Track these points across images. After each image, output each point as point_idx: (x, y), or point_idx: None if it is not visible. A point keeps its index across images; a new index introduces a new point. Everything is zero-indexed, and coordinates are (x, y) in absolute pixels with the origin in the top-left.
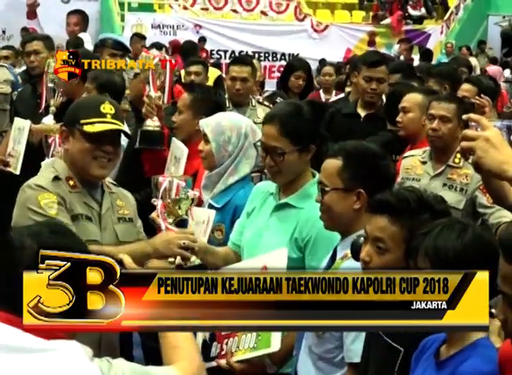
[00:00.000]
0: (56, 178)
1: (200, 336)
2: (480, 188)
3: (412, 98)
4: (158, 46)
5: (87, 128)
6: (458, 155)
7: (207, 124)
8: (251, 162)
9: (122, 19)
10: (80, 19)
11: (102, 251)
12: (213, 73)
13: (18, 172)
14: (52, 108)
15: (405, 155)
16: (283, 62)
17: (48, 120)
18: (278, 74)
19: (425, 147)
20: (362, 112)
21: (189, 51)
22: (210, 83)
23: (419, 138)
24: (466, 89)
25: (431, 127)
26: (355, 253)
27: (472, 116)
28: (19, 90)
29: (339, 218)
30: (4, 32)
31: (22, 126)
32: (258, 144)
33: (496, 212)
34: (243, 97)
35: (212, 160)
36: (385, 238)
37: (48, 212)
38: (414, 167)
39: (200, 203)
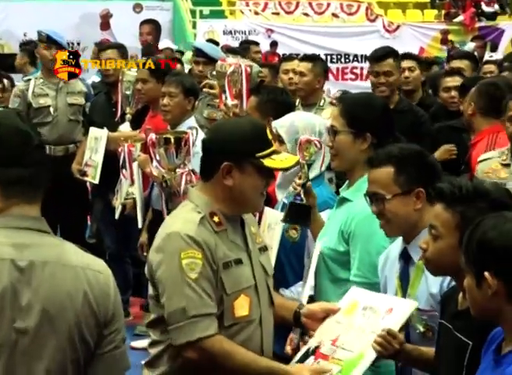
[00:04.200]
0: (202, 218)
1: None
2: None
3: None
4: (232, 51)
5: (269, 163)
6: None
7: (280, 125)
8: (326, 161)
9: (194, 27)
10: (152, 28)
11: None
12: None
13: (97, 181)
14: (128, 116)
15: (481, 158)
16: (356, 64)
17: (125, 128)
18: (351, 76)
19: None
20: None
21: None
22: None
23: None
24: None
25: None
26: None
27: None
28: (93, 99)
29: (405, 222)
30: (78, 44)
31: (99, 135)
32: None
33: None
34: (300, 92)
35: None
36: (437, 225)
37: (188, 274)
38: (496, 171)
39: (274, 202)
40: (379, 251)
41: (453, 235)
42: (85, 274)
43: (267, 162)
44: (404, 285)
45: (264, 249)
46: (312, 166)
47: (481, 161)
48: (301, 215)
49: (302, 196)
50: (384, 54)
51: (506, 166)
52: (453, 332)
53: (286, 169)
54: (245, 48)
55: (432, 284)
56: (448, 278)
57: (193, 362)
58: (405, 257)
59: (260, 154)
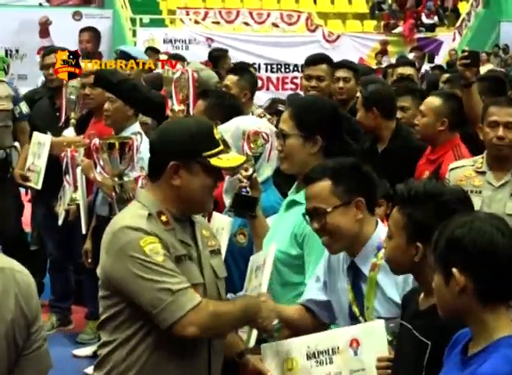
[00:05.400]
0: (150, 215)
1: None
2: None
3: (429, 103)
4: (178, 58)
5: (216, 162)
6: None
7: (225, 130)
8: (273, 165)
9: (134, 35)
10: (92, 35)
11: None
12: None
13: (39, 187)
14: (73, 121)
15: (452, 166)
16: (296, 74)
17: (69, 133)
18: (291, 86)
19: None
20: None
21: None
22: None
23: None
24: None
25: (497, 136)
26: None
27: None
28: (36, 104)
29: (348, 234)
30: (17, 51)
31: (42, 140)
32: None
33: None
34: None
35: None
36: (390, 225)
37: (154, 259)
38: (470, 178)
39: (222, 207)
40: None
41: (400, 235)
42: (13, 275)
43: (214, 161)
44: (359, 298)
45: (216, 252)
46: (261, 169)
47: (452, 169)
48: (247, 207)
49: (248, 189)
50: (319, 58)
51: (482, 173)
52: (413, 332)
53: (233, 169)
54: (220, 56)
55: (391, 292)
56: (408, 284)
57: (193, 337)
58: (354, 270)
59: (207, 153)
